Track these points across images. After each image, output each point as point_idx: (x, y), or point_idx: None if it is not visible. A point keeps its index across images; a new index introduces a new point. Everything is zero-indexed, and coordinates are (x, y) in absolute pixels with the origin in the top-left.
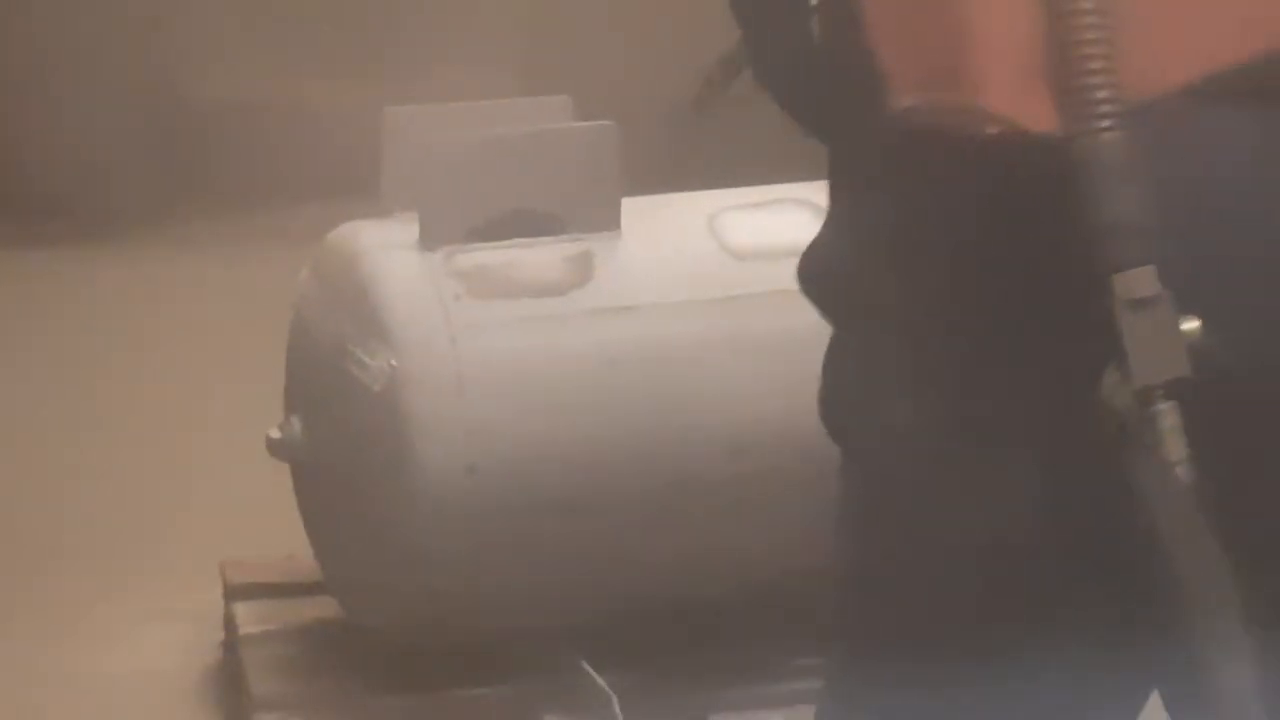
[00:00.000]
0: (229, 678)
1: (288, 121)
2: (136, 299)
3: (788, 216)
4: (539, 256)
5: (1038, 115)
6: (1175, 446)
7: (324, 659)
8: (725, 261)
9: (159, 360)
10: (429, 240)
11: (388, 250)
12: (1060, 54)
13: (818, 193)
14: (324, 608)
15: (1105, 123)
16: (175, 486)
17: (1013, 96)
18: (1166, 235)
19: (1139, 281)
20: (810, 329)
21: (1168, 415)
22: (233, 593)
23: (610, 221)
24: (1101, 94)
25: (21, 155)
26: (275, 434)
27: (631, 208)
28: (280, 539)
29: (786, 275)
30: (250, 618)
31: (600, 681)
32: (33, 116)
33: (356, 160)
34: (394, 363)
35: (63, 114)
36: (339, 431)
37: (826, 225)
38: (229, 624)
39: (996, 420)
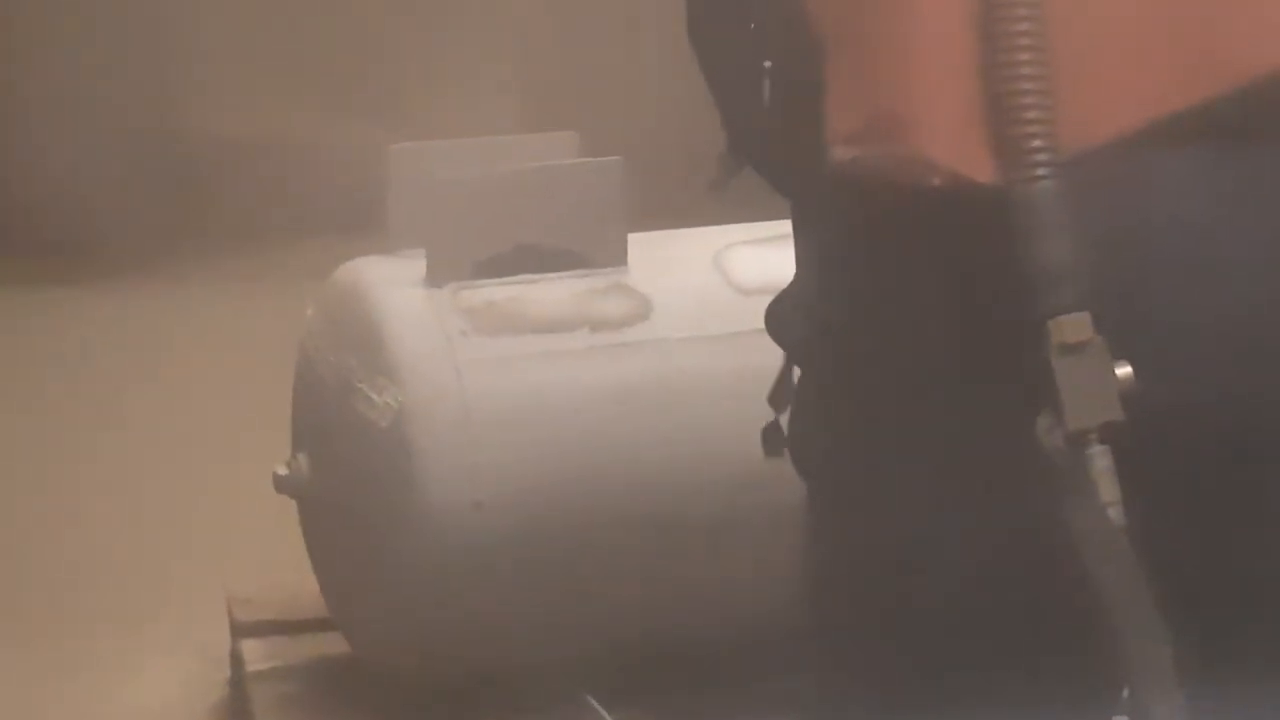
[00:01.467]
0: (236, 714)
1: (292, 159)
2: (142, 337)
3: (792, 253)
4: (545, 292)
5: (977, 164)
6: (1108, 489)
7: (331, 695)
8: (731, 297)
9: (165, 398)
10: (435, 276)
11: (394, 286)
12: (998, 102)
13: None
14: (331, 644)
15: (1040, 171)
16: (182, 523)
17: (953, 146)
18: (1101, 282)
19: (1072, 327)
20: None
21: (1100, 458)
22: (239, 629)
23: (617, 257)
24: (1037, 143)
25: (25, 193)
26: (282, 470)
27: (638, 243)
28: (287, 575)
29: None
30: (257, 654)
31: (607, 717)
32: (35, 154)
33: (362, 197)
34: (400, 399)
35: (65, 152)
36: (345, 468)
37: (794, 277)
38: (235, 660)
39: (942, 459)
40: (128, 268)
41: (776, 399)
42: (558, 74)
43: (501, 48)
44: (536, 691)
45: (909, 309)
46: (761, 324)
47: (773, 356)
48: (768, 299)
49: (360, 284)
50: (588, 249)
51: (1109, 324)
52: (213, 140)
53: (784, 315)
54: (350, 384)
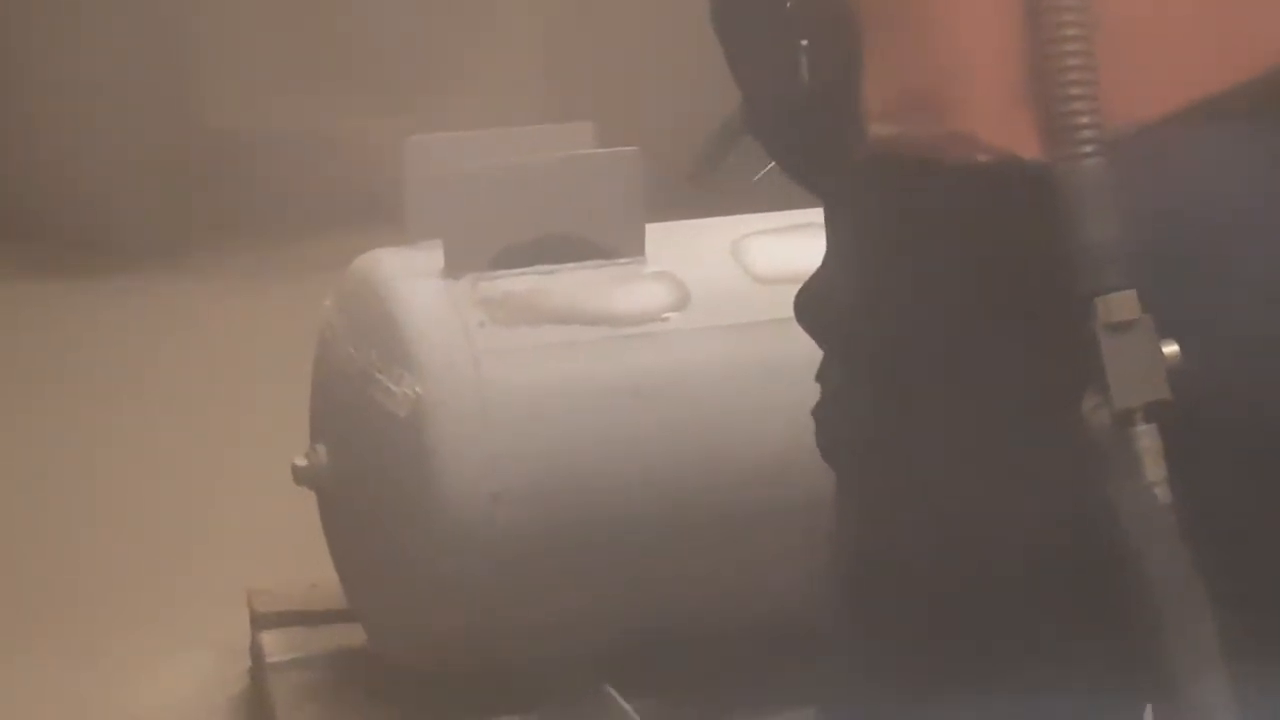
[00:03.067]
0: (256, 706)
1: (311, 151)
2: (162, 328)
3: (811, 241)
4: (563, 283)
5: (1023, 142)
6: (1153, 468)
7: (350, 686)
8: (749, 287)
9: (184, 389)
10: (453, 267)
11: (412, 278)
12: (1044, 81)
13: None
14: (350, 635)
15: (1087, 149)
16: (201, 515)
17: (998, 124)
18: (1150, 260)
19: (1120, 305)
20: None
21: (1146, 437)
22: (259, 621)
23: (634, 247)
24: (1084, 120)
25: (44, 186)
26: (301, 462)
27: (655, 233)
28: (306, 567)
29: None
30: (277, 646)
31: (626, 707)
32: (53, 147)
33: (380, 188)
34: (419, 390)
35: (84, 144)
36: (364, 459)
37: (824, 262)
38: (255, 652)
39: (984, 441)
40: (146, 260)
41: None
42: (575, 65)
43: (519, 39)
44: (555, 682)
45: (951, 289)
46: (780, 313)
47: (792, 345)
48: (786, 289)
49: (378, 275)
50: (606, 239)
51: (1156, 302)
52: (231, 133)
53: (814, 302)
54: (369, 375)
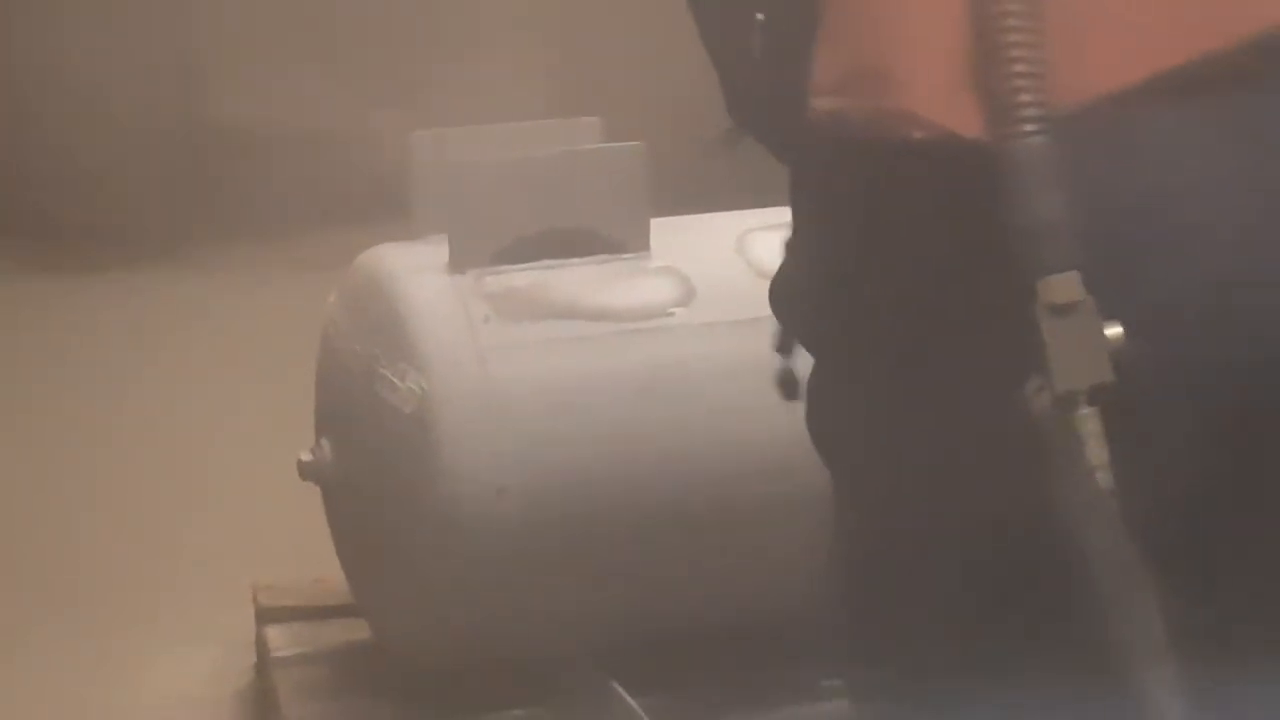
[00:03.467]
0: (261, 701)
1: (317, 146)
2: (165, 323)
3: None
4: (568, 278)
5: (964, 120)
6: (1096, 452)
7: (356, 681)
8: (754, 282)
9: (189, 384)
10: (458, 262)
11: (417, 273)
12: (987, 58)
13: None
14: (355, 630)
15: (1029, 127)
16: (206, 511)
17: (940, 101)
18: (1092, 241)
19: (1062, 287)
20: None
21: (1089, 420)
22: (264, 616)
23: (639, 242)
24: (1026, 98)
25: (48, 181)
26: (306, 457)
27: (660, 228)
28: (311, 561)
29: None
30: (282, 641)
31: (632, 703)
32: (57, 141)
33: (385, 183)
34: (424, 385)
35: (87, 139)
36: (369, 454)
37: (785, 244)
38: (261, 647)
39: (938, 424)
40: (151, 255)
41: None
42: (581, 60)
43: (525, 34)
44: (560, 677)
45: (896, 271)
46: None
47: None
48: None
49: (383, 270)
50: (611, 234)
51: (1099, 283)
52: (235, 127)
53: (781, 288)
54: (373, 370)
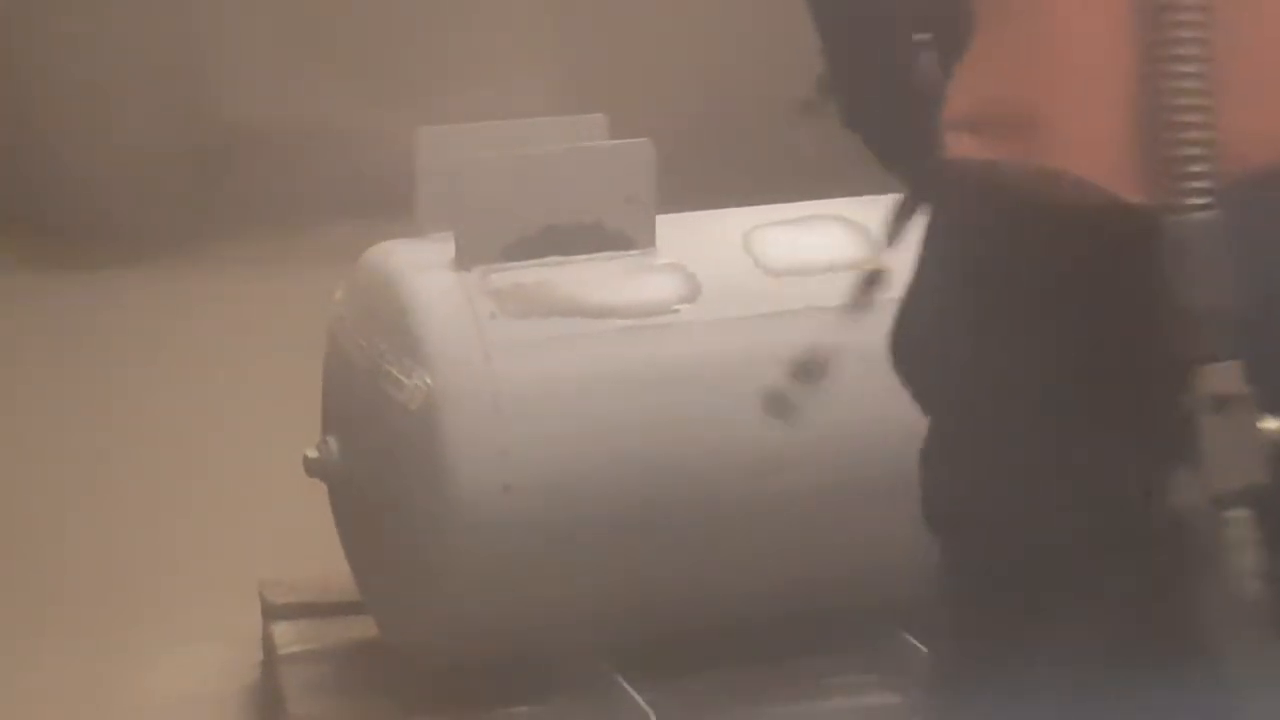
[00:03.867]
0: (268, 697)
1: (322, 143)
2: (173, 320)
3: (822, 233)
4: (573, 275)
5: (1126, 184)
6: (1244, 558)
7: (362, 678)
8: (760, 278)
9: (196, 381)
10: (464, 259)
11: (423, 270)
12: (1157, 119)
13: (851, 208)
14: (362, 627)
15: (1200, 200)
16: (213, 507)
17: (1100, 162)
18: (1253, 326)
19: (1222, 377)
20: (845, 346)
21: (1240, 524)
22: (271, 612)
23: (645, 239)
24: (1198, 167)
25: (55, 177)
26: (312, 454)
27: (666, 225)
28: (318, 558)
29: (821, 292)
30: (288, 637)
31: (638, 699)
32: (65, 138)
33: (391, 180)
34: (429, 382)
35: (98, 138)
36: (375, 451)
37: (913, 287)
38: (267, 644)
39: (1072, 507)
40: (157, 251)
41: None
42: (587, 57)
43: (530, 31)
44: (566, 673)
45: (1038, 337)
46: (791, 305)
47: (803, 337)
48: (796, 280)
49: (389, 267)
50: (616, 231)
51: (1257, 373)
52: (242, 124)
53: (906, 343)
54: (379, 367)
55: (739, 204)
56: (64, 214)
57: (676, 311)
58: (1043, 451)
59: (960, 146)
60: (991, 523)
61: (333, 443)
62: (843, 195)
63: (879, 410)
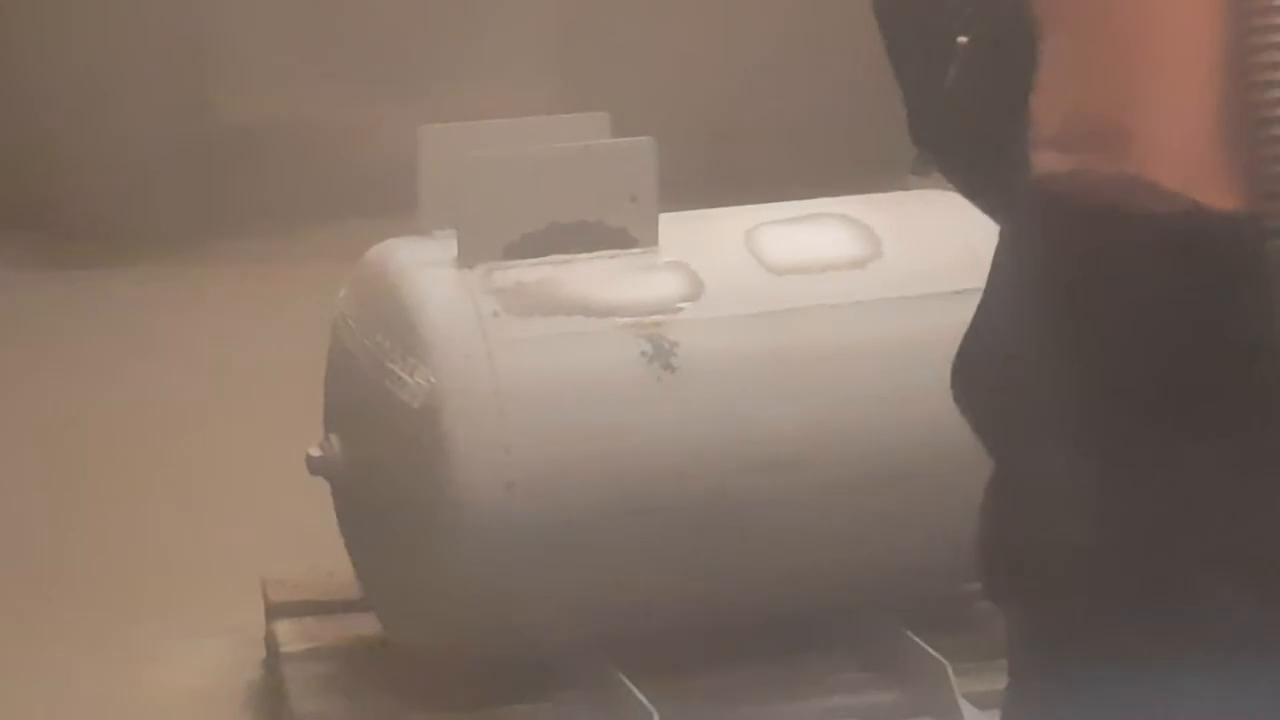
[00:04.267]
0: (271, 695)
1: (325, 140)
2: (176, 318)
3: (825, 231)
4: (577, 273)
5: (1217, 194)
6: None
7: (365, 676)
8: (763, 276)
9: (199, 379)
10: (467, 257)
11: (425, 268)
12: (1249, 118)
13: (854, 206)
14: (365, 625)
15: None
16: (216, 505)
17: (1187, 168)
18: None
19: None
20: (849, 345)
21: None
22: (274, 610)
23: (648, 237)
24: None
25: (60, 176)
26: (315, 452)
27: (669, 223)
28: (321, 556)
29: (824, 290)
30: (291, 635)
31: (640, 696)
32: (68, 136)
33: (394, 178)
34: (432, 380)
35: (102, 135)
36: (378, 449)
37: (984, 309)
38: (270, 642)
39: (1157, 553)
40: (163, 248)
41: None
42: (590, 55)
43: (533, 29)
44: (568, 670)
45: (1121, 364)
46: (793, 303)
47: (804, 334)
48: (799, 278)
49: (392, 265)
50: (619, 229)
51: None
52: (245, 122)
53: (973, 369)
54: (382, 365)
55: (742, 202)
56: (66, 211)
57: (680, 310)
58: (1121, 485)
59: (1046, 164)
60: (1085, 589)
61: (335, 441)
62: (846, 194)
63: (885, 408)
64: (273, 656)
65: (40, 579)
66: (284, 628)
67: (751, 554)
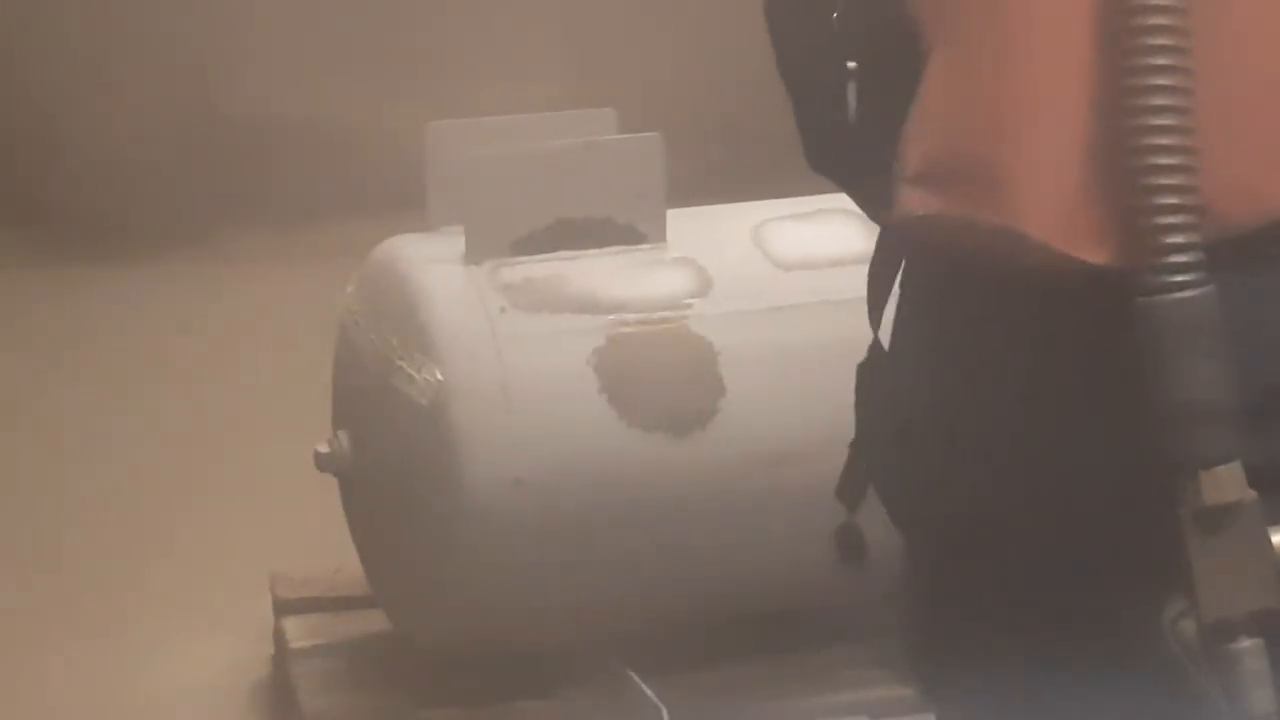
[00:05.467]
0: (279, 692)
1: (332, 137)
2: (183, 314)
3: (832, 227)
4: (584, 269)
5: (1089, 245)
6: (1260, 697)
7: (373, 673)
8: (770, 272)
9: (207, 376)
10: (474, 254)
11: (433, 264)
12: (1124, 164)
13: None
14: (373, 621)
15: (1184, 275)
16: (224, 501)
17: (1056, 217)
18: (1253, 415)
19: (1219, 483)
20: (855, 340)
21: (1249, 657)
22: (282, 607)
23: (655, 233)
24: (1176, 222)
25: (67, 172)
26: (323, 448)
27: (676, 219)
28: (329, 553)
29: (831, 286)
30: (299, 632)
31: (649, 693)
32: (78, 133)
33: (401, 175)
34: (440, 376)
35: (108, 131)
36: (386, 445)
37: (893, 332)
38: (278, 638)
39: (1050, 639)
40: (170, 245)
41: (844, 493)
42: (597, 51)
43: (540, 26)
44: (576, 666)
45: (996, 432)
46: (801, 299)
47: (813, 331)
48: (807, 274)
49: (400, 262)
50: (627, 225)
51: (1260, 469)
52: (252, 119)
53: (870, 384)
54: (390, 361)
55: (750, 198)
56: (74, 207)
57: (688, 306)
58: (1015, 573)
59: (910, 204)
60: (971, 650)
61: (343, 437)
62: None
63: None
64: (281, 652)
65: (47, 575)
66: (292, 624)
67: (762, 549)
